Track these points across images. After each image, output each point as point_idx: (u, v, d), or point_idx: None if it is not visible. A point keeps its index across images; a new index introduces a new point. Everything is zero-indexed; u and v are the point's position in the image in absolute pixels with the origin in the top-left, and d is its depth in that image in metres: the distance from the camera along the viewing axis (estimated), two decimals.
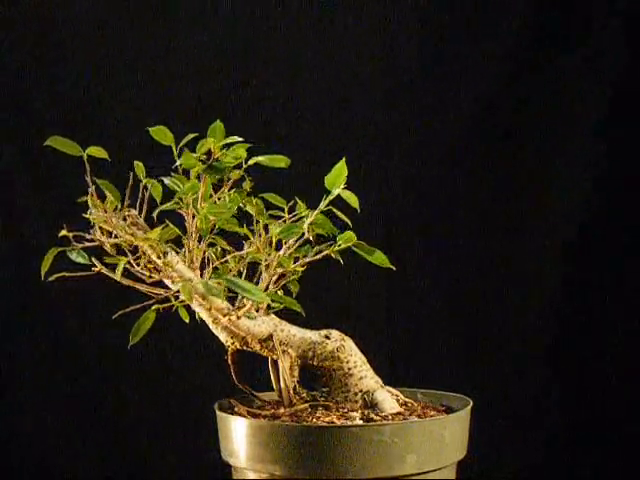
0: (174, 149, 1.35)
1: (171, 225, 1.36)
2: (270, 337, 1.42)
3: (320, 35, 2.15)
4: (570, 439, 2.17)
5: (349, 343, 1.45)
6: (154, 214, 1.32)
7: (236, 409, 1.43)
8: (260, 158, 1.37)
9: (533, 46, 2.14)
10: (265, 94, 2.15)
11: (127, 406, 2.16)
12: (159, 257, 1.35)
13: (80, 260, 1.34)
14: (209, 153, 1.35)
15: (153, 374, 2.16)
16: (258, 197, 1.42)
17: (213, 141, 1.34)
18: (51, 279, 1.34)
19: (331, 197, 1.36)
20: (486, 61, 2.14)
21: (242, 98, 2.13)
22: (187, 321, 1.41)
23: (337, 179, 1.35)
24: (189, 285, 1.32)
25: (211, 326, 1.42)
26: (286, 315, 1.45)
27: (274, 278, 1.43)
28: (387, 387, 1.47)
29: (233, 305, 1.40)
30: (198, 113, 2.09)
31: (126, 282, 1.34)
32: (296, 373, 1.43)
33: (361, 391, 1.44)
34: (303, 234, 1.38)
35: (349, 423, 1.36)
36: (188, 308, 1.41)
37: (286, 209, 1.41)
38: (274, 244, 1.39)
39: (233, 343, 1.43)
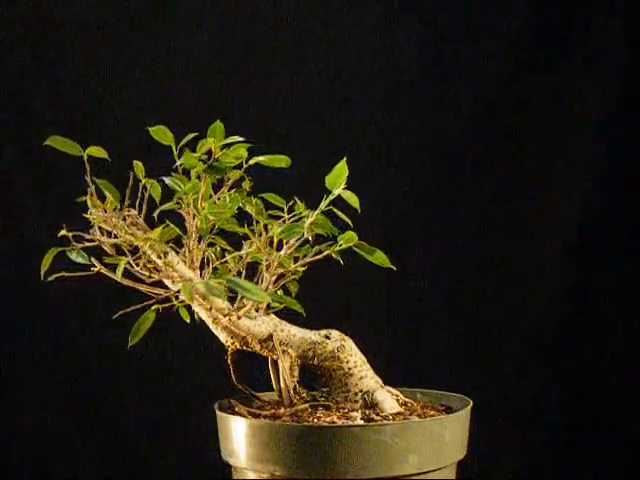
0: (174, 149, 1.35)
1: (171, 225, 1.36)
2: (270, 337, 1.42)
3: (320, 35, 2.15)
4: (570, 439, 2.17)
5: (349, 343, 1.45)
6: (155, 214, 1.32)
7: (236, 409, 1.43)
8: (260, 158, 1.37)
9: (533, 46, 2.14)
10: (265, 94, 2.15)
11: (127, 406, 2.16)
12: (159, 257, 1.34)
13: (80, 260, 1.34)
14: (209, 153, 1.35)
15: (153, 374, 2.16)
16: (258, 197, 1.42)
17: (213, 141, 1.34)
18: (51, 279, 1.34)
19: (332, 197, 1.36)
20: (486, 61, 2.14)
21: (242, 98, 2.13)
22: (187, 321, 1.41)
23: (338, 179, 1.35)
24: (190, 285, 1.32)
25: (211, 326, 1.42)
26: (286, 315, 1.45)
27: (274, 278, 1.43)
28: (387, 387, 1.47)
29: (233, 305, 1.40)
30: (198, 113, 2.09)
31: (126, 282, 1.34)
32: (296, 373, 1.43)
33: (361, 391, 1.44)
34: (303, 234, 1.38)
35: (350, 423, 1.36)
36: (188, 308, 1.41)
37: (285, 209, 1.41)
38: (275, 244, 1.39)
39: (233, 343, 1.43)
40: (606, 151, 2.14)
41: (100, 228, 1.34)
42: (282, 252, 1.40)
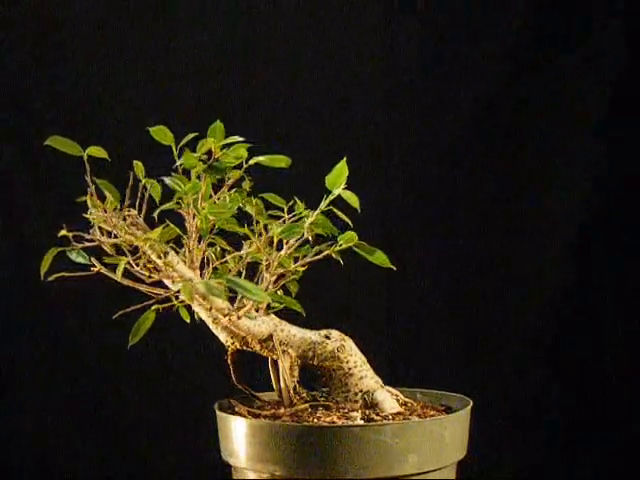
0: (174, 149, 1.35)
1: (172, 225, 1.36)
2: (270, 337, 1.42)
3: (320, 35, 2.15)
4: (570, 439, 2.17)
5: (349, 343, 1.45)
6: (155, 214, 1.32)
7: (237, 409, 1.43)
8: (261, 158, 1.37)
9: (533, 46, 2.14)
10: (265, 94, 2.15)
11: (127, 406, 2.16)
12: (159, 257, 1.34)
13: (80, 260, 1.34)
14: (209, 153, 1.35)
15: (153, 374, 2.16)
16: (258, 197, 1.42)
17: (213, 141, 1.34)
18: (50, 279, 1.34)
19: (332, 197, 1.36)
20: (486, 61, 2.14)
21: (242, 98, 2.13)
22: (188, 321, 1.41)
23: (338, 179, 1.35)
24: (190, 285, 1.32)
25: (211, 326, 1.42)
26: (286, 315, 1.45)
27: (273, 278, 1.43)
28: (387, 387, 1.47)
29: (233, 305, 1.40)
30: (198, 113, 2.09)
31: (126, 282, 1.34)
32: (296, 373, 1.43)
33: (361, 391, 1.44)
34: (303, 234, 1.38)
35: (350, 423, 1.36)
36: (188, 308, 1.41)
37: (285, 209, 1.41)
38: (275, 244, 1.39)
39: (233, 343, 1.43)
40: (606, 151, 2.14)
41: (100, 228, 1.34)
42: (282, 252, 1.40)
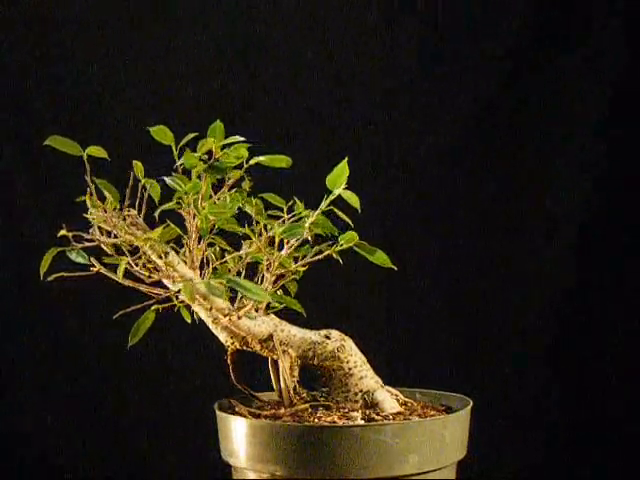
0: (174, 149, 1.35)
1: (172, 225, 1.36)
2: (270, 337, 1.42)
3: (320, 35, 2.15)
4: (570, 439, 2.17)
5: (349, 343, 1.45)
6: (156, 214, 1.32)
7: (237, 409, 1.43)
8: (261, 158, 1.37)
9: (533, 46, 2.14)
10: (265, 94, 2.14)
11: (127, 406, 2.16)
12: (160, 257, 1.34)
13: (80, 260, 1.34)
14: (209, 153, 1.35)
15: (153, 374, 2.16)
16: (257, 197, 1.42)
17: (214, 141, 1.34)
18: (50, 279, 1.34)
19: (332, 197, 1.36)
20: (486, 61, 2.14)
21: (242, 98, 2.13)
22: (189, 321, 1.41)
23: (338, 179, 1.35)
24: (190, 285, 1.32)
25: (211, 326, 1.42)
26: (286, 315, 1.45)
27: (273, 278, 1.43)
28: (387, 387, 1.47)
29: (233, 305, 1.40)
30: (198, 113, 2.09)
31: (126, 282, 1.34)
32: (296, 373, 1.43)
33: (361, 391, 1.43)
34: (303, 234, 1.38)
35: (350, 423, 1.36)
36: (187, 308, 1.41)
37: (285, 209, 1.41)
38: (276, 244, 1.39)
39: (233, 343, 1.43)
40: (606, 151, 2.14)
41: (100, 228, 1.34)
42: (283, 252, 1.40)
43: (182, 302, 1.39)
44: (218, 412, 1.41)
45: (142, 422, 2.16)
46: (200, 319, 1.42)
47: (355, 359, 1.44)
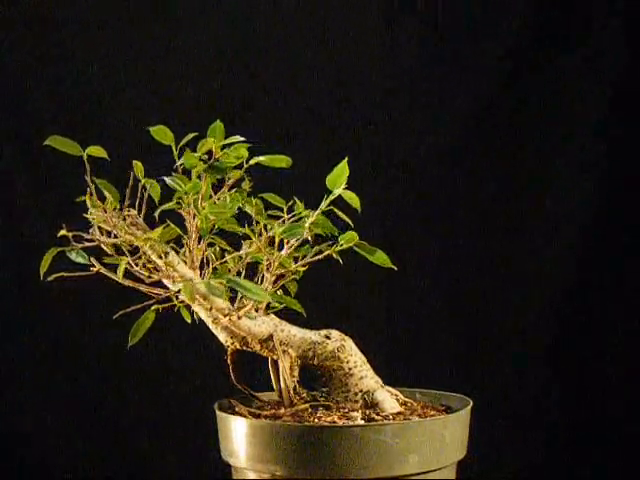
0: (174, 149, 1.35)
1: (172, 225, 1.36)
2: (270, 337, 1.42)
3: (320, 35, 2.15)
4: (570, 439, 2.17)
5: (349, 343, 1.45)
6: (156, 214, 1.32)
7: (237, 409, 1.43)
8: (261, 158, 1.37)
9: (533, 46, 2.14)
10: (265, 94, 2.14)
11: (127, 406, 2.16)
12: (160, 257, 1.34)
13: (80, 260, 1.34)
14: (209, 153, 1.35)
15: (153, 374, 2.16)
16: (257, 197, 1.42)
17: (214, 141, 1.34)
18: (50, 279, 1.34)
19: (332, 197, 1.36)
20: (486, 61, 2.14)
21: (242, 98, 2.13)
22: (189, 321, 1.41)
23: (338, 179, 1.35)
24: (191, 285, 1.32)
25: (210, 326, 1.42)
26: (286, 315, 1.45)
27: (274, 278, 1.43)
28: (387, 387, 1.47)
29: (233, 305, 1.40)
30: (198, 113, 2.09)
31: (126, 282, 1.34)
32: (296, 373, 1.43)
33: (361, 391, 1.43)
34: (303, 234, 1.38)
35: (351, 423, 1.36)
36: (187, 308, 1.41)
37: (285, 209, 1.41)
38: (277, 244, 1.39)
39: (233, 343, 1.43)
40: (606, 151, 2.14)
41: (100, 228, 1.34)
42: (283, 252, 1.40)
43: (182, 302, 1.39)
44: (218, 412, 1.41)
45: (142, 422, 2.16)
46: (200, 319, 1.42)
47: (355, 359, 1.44)
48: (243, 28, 2.14)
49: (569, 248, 2.16)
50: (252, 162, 1.37)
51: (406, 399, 1.48)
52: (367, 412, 1.40)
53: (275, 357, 1.43)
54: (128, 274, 1.34)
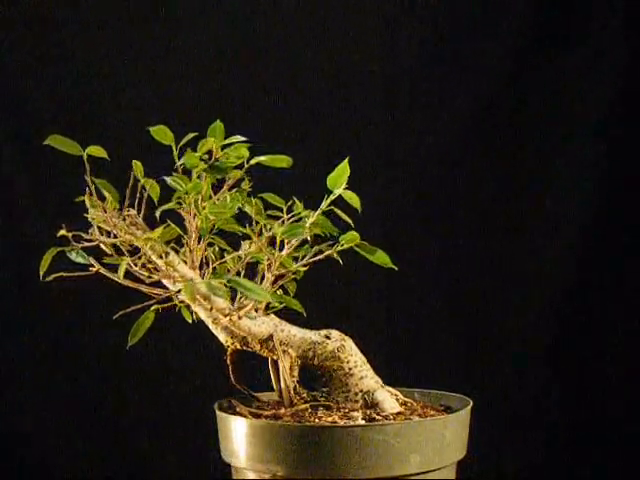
0: (174, 149, 1.35)
1: (172, 225, 1.36)
2: (270, 337, 1.42)
3: (320, 35, 2.15)
4: (570, 439, 2.17)
5: (349, 343, 1.45)
6: (157, 213, 1.32)
7: (237, 409, 1.43)
8: (262, 158, 1.37)
9: (533, 46, 2.14)
10: (265, 94, 2.14)
11: (127, 406, 2.16)
12: (160, 257, 1.34)
13: (80, 260, 1.34)
14: (209, 153, 1.35)
15: (153, 374, 2.16)
16: (257, 197, 1.42)
17: (214, 141, 1.34)
18: (49, 279, 1.34)
19: (333, 197, 1.36)
20: (486, 61, 2.14)
21: (242, 98, 2.13)
22: (190, 321, 1.41)
23: (339, 179, 1.35)
24: (191, 285, 1.32)
25: (210, 326, 1.42)
26: (286, 315, 1.45)
27: (273, 278, 1.43)
28: (387, 387, 1.47)
29: (233, 305, 1.40)
30: (198, 113, 2.09)
31: (126, 282, 1.34)
32: (296, 373, 1.43)
33: (361, 391, 1.43)
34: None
35: (352, 423, 1.35)
36: (188, 308, 1.41)
37: (284, 209, 1.41)
38: (278, 244, 1.39)
39: (233, 343, 1.43)
40: (606, 151, 2.14)
41: (99, 228, 1.34)
42: (284, 252, 1.40)
43: (182, 302, 1.38)
44: (218, 412, 1.41)
45: (142, 422, 2.16)
46: (200, 319, 1.42)
47: (355, 359, 1.44)
48: (243, 28, 2.14)
49: (569, 248, 2.16)
50: (253, 162, 1.37)
51: (406, 399, 1.48)
52: (367, 412, 1.40)
53: (275, 357, 1.43)
54: (128, 274, 1.34)
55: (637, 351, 2.15)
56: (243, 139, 1.36)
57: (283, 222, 1.39)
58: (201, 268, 1.39)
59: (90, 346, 2.14)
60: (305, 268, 1.42)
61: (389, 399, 1.44)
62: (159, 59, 2.13)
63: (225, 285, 1.33)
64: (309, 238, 1.39)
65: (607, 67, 2.12)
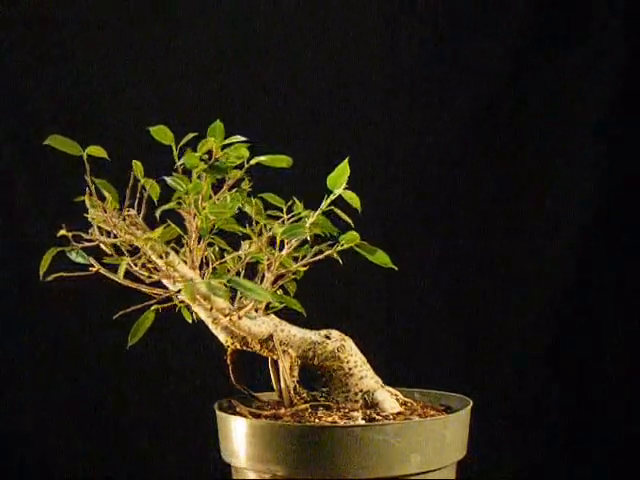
0: (174, 149, 1.35)
1: (173, 225, 1.36)
2: (270, 337, 1.42)
3: (320, 35, 2.15)
4: (570, 439, 2.17)
5: (349, 343, 1.45)
6: (157, 214, 1.32)
7: (238, 409, 1.43)
8: (262, 158, 1.37)
9: (533, 46, 2.14)
10: (265, 94, 2.14)
11: (127, 406, 2.16)
12: (160, 257, 1.34)
13: (80, 260, 1.34)
14: (209, 153, 1.35)
15: (153, 374, 2.16)
16: (257, 197, 1.42)
17: (214, 141, 1.34)
18: (49, 279, 1.34)
19: (333, 197, 1.36)
20: (486, 61, 2.14)
21: (242, 98, 2.13)
22: (190, 321, 1.41)
23: (339, 179, 1.35)
24: (191, 285, 1.32)
25: (210, 326, 1.42)
26: (286, 315, 1.45)
27: (273, 278, 1.43)
28: (386, 387, 1.47)
29: (233, 305, 1.40)
30: (198, 113, 2.09)
31: (126, 282, 1.34)
32: (296, 373, 1.43)
33: (361, 391, 1.43)
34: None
35: (352, 423, 1.35)
36: (188, 308, 1.41)
37: (284, 209, 1.41)
38: (278, 244, 1.39)
39: (233, 343, 1.43)
40: (606, 151, 2.14)
41: (99, 228, 1.34)
42: (284, 252, 1.40)
43: (182, 302, 1.38)
44: (218, 412, 1.41)
45: (142, 422, 2.16)
46: (200, 319, 1.42)
47: (355, 359, 1.44)
48: (243, 28, 2.14)
49: (569, 248, 2.16)
50: (253, 162, 1.37)
51: (406, 399, 1.48)
52: (368, 412, 1.40)
53: (275, 357, 1.43)
54: (128, 274, 1.34)
55: (637, 351, 2.15)
56: (243, 139, 1.36)
57: (283, 222, 1.39)
58: (201, 268, 1.39)
59: (90, 346, 2.14)
60: (305, 268, 1.42)
61: (389, 399, 1.44)
62: (159, 59, 2.13)
63: (225, 285, 1.33)
64: (309, 238, 1.39)
65: (607, 67, 2.12)
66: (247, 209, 1.41)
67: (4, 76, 2.09)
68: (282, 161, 1.38)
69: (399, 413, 1.42)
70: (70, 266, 1.34)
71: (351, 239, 1.36)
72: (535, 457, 2.18)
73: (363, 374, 1.44)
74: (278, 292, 1.44)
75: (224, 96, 2.13)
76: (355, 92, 2.16)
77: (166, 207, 1.33)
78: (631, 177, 2.14)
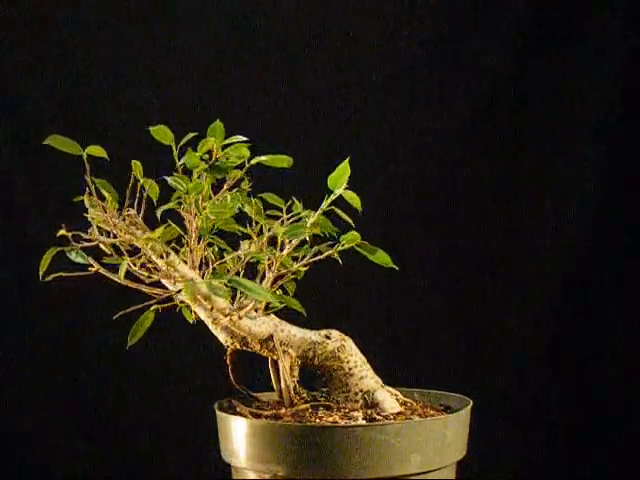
0: (174, 149, 1.35)
1: (173, 225, 1.36)
2: (270, 337, 1.42)
3: (320, 35, 2.15)
4: (570, 439, 2.17)
5: (349, 343, 1.45)
6: (157, 213, 1.32)
7: (237, 409, 1.43)
8: (263, 158, 1.37)
9: (533, 46, 2.14)
10: (265, 94, 2.14)
11: (127, 406, 2.16)
12: (160, 257, 1.34)
13: (79, 260, 1.34)
14: (210, 152, 1.35)
15: (153, 374, 2.15)
16: (257, 197, 1.42)
17: (214, 140, 1.34)
18: (48, 279, 1.34)
19: (333, 197, 1.36)
20: (486, 61, 2.14)
21: (242, 98, 2.13)
22: (191, 321, 1.41)
23: (339, 179, 1.35)
24: (192, 285, 1.32)
25: (210, 326, 1.42)
26: (286, 315, 1.45)
27: (273, 278, 1.43)
28: (386, 387, 1.47)
29: (233, 305, 1.40)
30: (198, 113, 2.09)
31: (126, 282, 1.34)
32: (296, 373, 1.43)
33: (361, 391, 1.43)
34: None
35: (352, 423, 1.35)
36: (188, 308, 1.41)
37: (284, 209, 1.41)
38: (279, 244, 1.39)
39: (232, 343, 1.43)
40: (606, 151, 2.14)
41: (99, 228, 1.34)
42: (284, 252, 1.40)
43: (182, 302, 1.38)
44: (218, 412, 1.41)
45: (142, 422, 2.16)
46: (200, 319, 1.42)
47: (355, 359, 1.44)
48: (243, 28, 2.14)
49: (569, 248, 2.16)
50: (253, 162, 1.37)
51: (406, 399, 1.48)
52: (368, 412, 1.40)
53: (275, 357, 1.43)
54: (128, 274, 1.34)
55: (637, 351, 2.15)
56: (243, 139, 1.36)
57: (283, 222, 1.39)
58: (201, 268, 1.39)
59: (90, 346, 2.14)
60: (305, 268, 1.42)
61: (389, 399, 1.44)
62: (159, 59, 2.13)
63: (225, 285, 1.33)
64: (308, 238, 1.39)
65: (607, 67, 2.12)
66: (247, 209, 1.41)
67: (4, 76, 2.09)
68: (282, 161, 1.38)
69: (399, 413, 1.42)
70: (70, 266, 1.34)
71: (352, 239, 1.36)
72: (535, 457, 2.18)
73: (363, 374, 1.44)
74: (278, 292, 1.44)
75: (224, 96, 2.13)
76: (355, 92, 2.16)
77: (166, 207, 1.33)
78: (631, 177, 2.14)
